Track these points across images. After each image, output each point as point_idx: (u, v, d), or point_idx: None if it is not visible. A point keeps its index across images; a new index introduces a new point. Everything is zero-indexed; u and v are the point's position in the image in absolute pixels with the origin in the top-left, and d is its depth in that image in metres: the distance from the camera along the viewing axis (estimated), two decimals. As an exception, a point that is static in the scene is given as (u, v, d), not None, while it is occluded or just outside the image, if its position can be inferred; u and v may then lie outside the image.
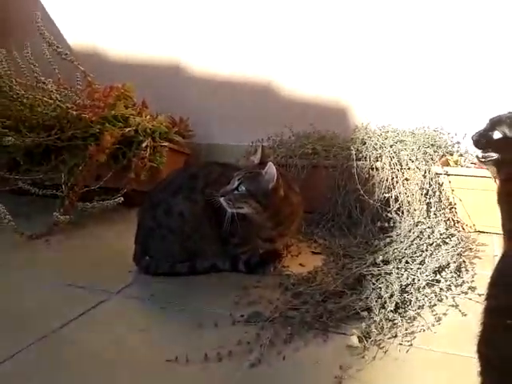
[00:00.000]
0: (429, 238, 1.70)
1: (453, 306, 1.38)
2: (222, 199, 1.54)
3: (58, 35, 2.86)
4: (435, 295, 1.41)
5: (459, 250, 1.66)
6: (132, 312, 1.45)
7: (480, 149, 1.37)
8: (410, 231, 1.77)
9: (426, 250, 1.63)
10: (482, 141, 1.35)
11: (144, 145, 2.22)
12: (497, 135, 1.32)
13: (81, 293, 1.54)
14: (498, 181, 1.48)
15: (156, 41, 2.73)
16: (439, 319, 1.32)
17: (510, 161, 1.32)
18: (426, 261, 1.57)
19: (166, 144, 2.32)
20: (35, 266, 1.75)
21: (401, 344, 1.21)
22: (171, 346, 1.25)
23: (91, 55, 2.83)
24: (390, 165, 1.95)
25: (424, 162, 1.92)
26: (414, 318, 1.32)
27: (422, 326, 1.29)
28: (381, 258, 1.58)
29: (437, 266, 1.53)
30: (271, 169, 1.54)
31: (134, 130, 2.23)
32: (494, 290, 0.85)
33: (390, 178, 1.94)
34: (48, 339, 1.28)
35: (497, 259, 1.64)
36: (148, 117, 2.35)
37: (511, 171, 1.33)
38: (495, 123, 1.34)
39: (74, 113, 2.11)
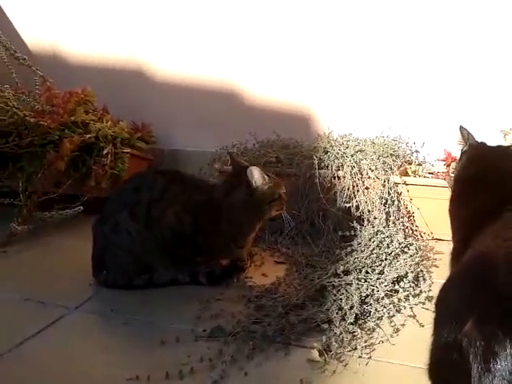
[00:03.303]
0: (388, 247, 1.74)
1: (411, 316, 1.42)
2: None
3: (16, 35, 2.77)
4: (394, 306, 1.45)
5: (417, 259, 1.70)
6: (92, 328, 1.43)
7: None
8: (370, 240, 1.81)
9: (386, 260, 1.67)
10: None
11: (105, 152, 2.18)
12: None
13: (39, 308, 1.50)
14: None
15: (118, 43, 2.68)
16: (397, 330, 1.36)
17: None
18: (385, 271, 1.60)
19: (127, 150, 2.28)
20: (-9, 279, 1.70)
21: (360, 357, 1.24)
22: (132, 363, 1.24)
23: (50, 57, 2.75)
24: (350, 174, 1.98)
25: (383, 172, 1.96)
26: (373, 330, 1.35)
27: (381, 337, 1.32)
28: (342, 268, 1.60)
29: (395, 276, 1.56)
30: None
31: (94, 136, 2.18)
32: (440, 324, 0.88)
33: (351, 186, 1.98)
34: (4, 359, 1.24)
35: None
36: (109, 122, 2.30)
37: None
38: None
39: (32, 120, 2.05)
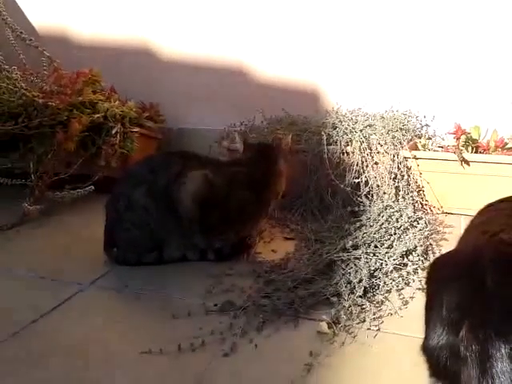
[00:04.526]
0: (397, 221, 1.75)
1: (419, 289, 1.42)
2: None
3: (23, 18, 2.77)
4: (402, 279, 1.46)
5: (426, 232, 1.71)
6: (106, 303, 1.46)
7: None
8: (379, 215, 1.81)
9: (395, 234, 1.67)
10: None
11: (114, 131, 2.19)
12: None
13: (54, 285, 1.53)
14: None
15: (125, 23, 2.67)
16: (406, 303, 1.37)
17: None
18: (394, 245, 1.61)
19: (136, 130, 2.29)
20: (7, 258, 1.73)
21: (369, 329, 1.26)
22: (146, 337, 1.27)
23: (58, 38, 2.75)
24: (359, 149, 1.98)
25: (393, 147, 1.95)
26: (382, 303, 1.36)
27: (390, 310, 1.34)
28: (350, 243, 1.61)
29: (404, 249, 1.57)
30: None
31: (102, 116, 2.19)
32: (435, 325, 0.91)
33: (360, 162, 1.97)
34: (19, 335, 1.28)
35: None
36: (117, 102, 2.31)
37: None
38: None
39: (41, 101, 2.06)
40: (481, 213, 1.23)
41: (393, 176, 1.94)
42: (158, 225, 1.61)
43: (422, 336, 1.14)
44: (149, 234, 1.62)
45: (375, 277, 1.45)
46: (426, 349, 0.93)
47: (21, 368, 1.16)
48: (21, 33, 2.10)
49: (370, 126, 2.05)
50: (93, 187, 2.07)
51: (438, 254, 1.60)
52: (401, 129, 2.05)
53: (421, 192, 1.98)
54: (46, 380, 1.13)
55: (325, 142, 2.01)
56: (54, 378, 1.13)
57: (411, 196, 1.93)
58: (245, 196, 1.68)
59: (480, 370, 0.81)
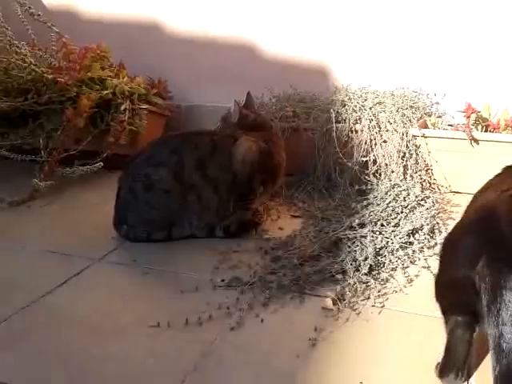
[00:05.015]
0: (404, 200, 1.74)
1: (425, 267, 1.43)
2: None
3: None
4: (408, 257, 1.47)
5: (433, 211, 1.70)
6: (115, 278, 1.49)
7: None
8: (386, 193, 1.81)
9: (401, 213, 1.67)
10: None
11: (122, 108, 2.19)
12: None
13: (64, 260, 1.56)
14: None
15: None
16: (411, 281, 1.38)
17: None
18: (401, 223, 1.61)
19: (145, 106, 2.28)
20: (17, 233, 1.76)
21: (373, 306, 1.27)
22: (154, 311, 1.29)
23: (67, 14, 2.73)
24: (368, 127, 1.96)
25: (402, 125, 1.94)
26: (387, 280, 1.38)
27: (395, 287, 1.35)
28: (357, 221, 1.61)
29: (411, 228, 1.58)
30: None
31: (111, 92, 2.19)
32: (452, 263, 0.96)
33: (368, 140, 1.96)
34: (30, 308, 1.30)
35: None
36: (126, 78, 2.30)
37: None
38: None
39: (50, 76, 2.06)
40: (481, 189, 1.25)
41: (401, 154, 1.93)
42: (177, 206, 1.62)
43: (426, 313, 1.17)
44: (166, 214, 1.63)
45: (381, 255, 1.46)
46: (441, 285, 1.02)
47: (30, 341, 1.19)
48: (29, 8, 2.08)
49: (379, 103, 2.03)
50: (102, 164, 2.08)
51: (444, 233, 1.60)
52: (411, 107, 2.03)
53: (429, 171, 1.97)
54: (55, 353, 1.15)
55: (333, 120, 2.00)
56: (63, 350, 1.16)
57: (419, 175, 1.92)
58: (282, 156, 1.76)
59: (491, 298, 0.88)
